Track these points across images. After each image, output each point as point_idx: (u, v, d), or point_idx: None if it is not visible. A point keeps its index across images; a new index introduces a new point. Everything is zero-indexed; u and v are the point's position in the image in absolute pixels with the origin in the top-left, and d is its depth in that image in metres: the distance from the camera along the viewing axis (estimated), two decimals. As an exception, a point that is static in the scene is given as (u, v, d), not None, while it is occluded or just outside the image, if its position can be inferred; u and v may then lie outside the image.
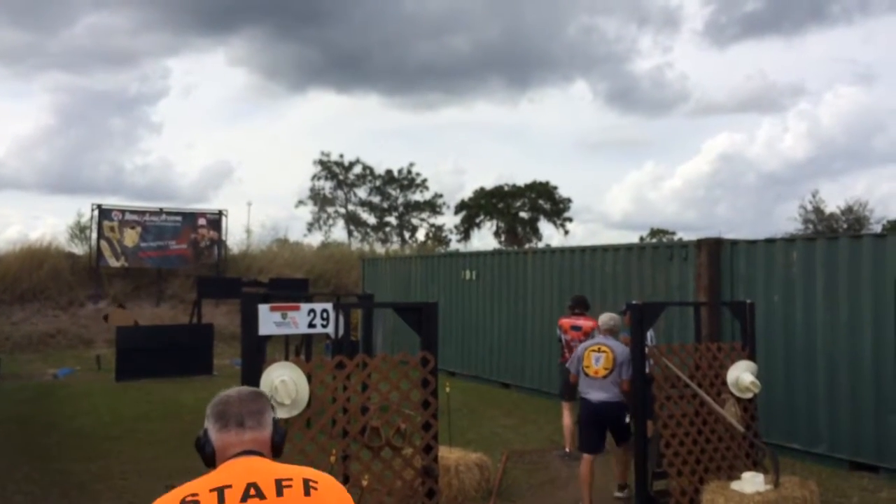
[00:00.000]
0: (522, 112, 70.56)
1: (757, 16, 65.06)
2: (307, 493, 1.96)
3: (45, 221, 66.29)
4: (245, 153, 72.29)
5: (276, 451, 2.15)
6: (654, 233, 53.03)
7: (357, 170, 49.18)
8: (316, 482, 2.00)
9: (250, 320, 5.19)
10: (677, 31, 69.58)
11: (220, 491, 1.92)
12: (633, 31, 71.02)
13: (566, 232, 51.17)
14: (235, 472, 1.99)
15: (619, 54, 66.94)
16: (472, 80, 69.19)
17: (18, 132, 62.64)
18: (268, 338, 5.32)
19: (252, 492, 1.92)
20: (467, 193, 52.50)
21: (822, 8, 64.00)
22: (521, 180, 51.79)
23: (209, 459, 2.12)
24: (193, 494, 1.92)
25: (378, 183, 49.61)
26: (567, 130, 74.63)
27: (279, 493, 1.93)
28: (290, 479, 1.98)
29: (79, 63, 61.83)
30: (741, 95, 69.74)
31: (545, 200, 51.40)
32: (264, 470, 2.00)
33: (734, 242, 9.94)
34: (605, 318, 7.23)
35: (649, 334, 7.63)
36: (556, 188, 51.11)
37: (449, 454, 7.01)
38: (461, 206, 51.22)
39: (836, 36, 68.78)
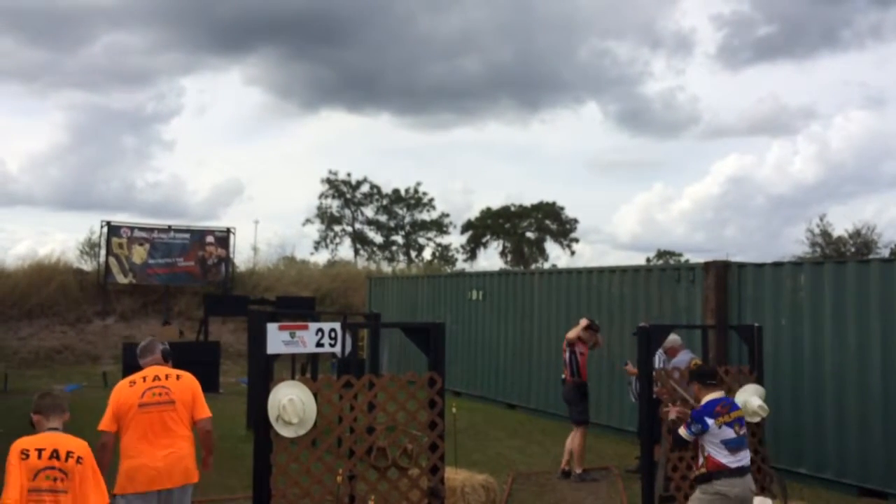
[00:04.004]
0: (533, 133, 70.75)
1: (770, 40, 65.24)
2: (178, 378, 4.94)
3: (55, 237, 66.54)
4: (256, 171, 72.58)
5: (165, 362, 5.12)
6: (661, 254, 52.96)
7: (364, 188, 49.39)
8: (181, 375, 4.97)
9: (259, 339, 5.21)
10: (690, 54, 69.85)
11: (144, 377, 4.88)
12: (646, 54, 71.33)
13: (572, 252, 51.18)
14: (150, 371, 4.95)
15: (631, 77, 67.18)
16: (484, 101, 69.44)
17: (31, 149, 63.11)
18: (275, 356, 5.34)
19: (155, 376, 4.90)
20: (476, 213, 52.58)
21: (835, 33, 64.14)
22: (531, 200, 51.86)
23: (139, 368, 5.03)
24: (134, 378, 4.90)
25: (385, 202, 49.76)
26: (577, 151, 74.78)
27: (167, 378, 4.91)
28: (171, 373, 4.96)
29: (94, 81, 62.27)
30: (752, 118, 69.82)
31: (552, 221, 51.44)
32: (161, 369, 4.99)
33: (742, 265, 9.94)
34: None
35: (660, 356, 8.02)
36: (562, 209, 51.19)
37: (455, 475, 7.00)
38: (468, 226, 51.29)
39: (848, 60, 68.87)
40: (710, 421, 5.27)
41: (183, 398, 4.86)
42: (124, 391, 4.85)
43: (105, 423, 4.81)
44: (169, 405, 4.80)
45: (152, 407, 4.76)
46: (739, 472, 5.26)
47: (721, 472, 5.25)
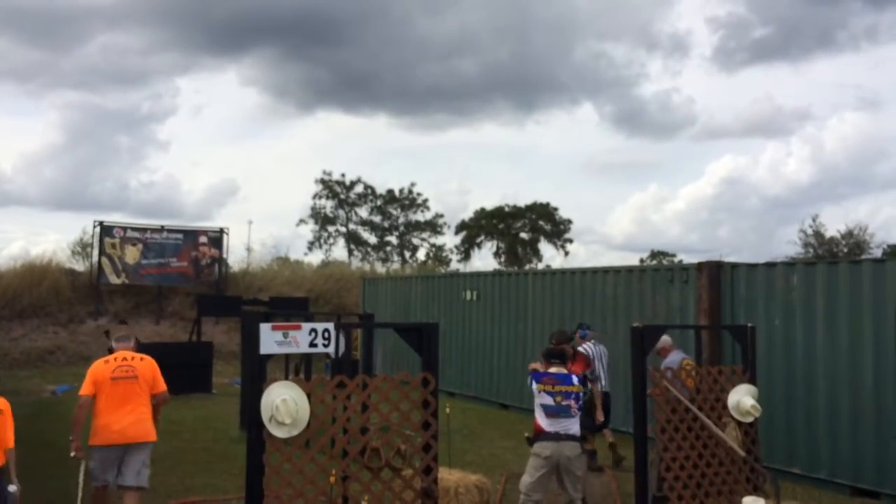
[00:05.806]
0: (529, 134, 70.86)
1: (766, 42, 65.53)
2: (141, 360, 6.48)
3: (48, 238, 66.29)
4: (251, 172, 72.51)
5: (134, 350, 6.67)
6: (655, 255, 53.06)
7: (358, 189, 49.35)
8: (143, 357, 6.53)
9: (252, 339, 5.20)
10: (686, 56, 70.11)
11: (115, 357, 6.46)
12: (642, 56, 71.54)
13: (566, 253, 51.24)
14: (120, 354, 6.50)
15: (627, 78, 67.33)
16: (480, 102, 69.58)
17: (25, 149, 62.90)
18: (268, 357, 5.32)
19: (123, 357, 6.44)
20: (471, 214, 52.59)
21: (830, 35, 64.48)
22: (526, 201, 51.91)
23: (112, 352, 6.64)
24: (108, 358, 6.51)
25: (379, 202, 49.74)
26: (573, 152, 74.95)
27: (133, 359, 6.45)
28: (136, 356, 6.50)
29: (90, 81, 62.22)
30: (747, 119, 70.15)
31: (545, 221, 51.49)
32: (129, 353, 6.52)
33: (734, 266, 9.96)
34: None
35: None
36: (556, 209, 51.26)
37: (448, 476, 6.99)
38: (461, 227, 51.30)
39: (843, 63, 69.27)
40: (533, 384, 6.36)
41: (144, 375, 6.39)
42: (100, 367, 6.38)
43: (85, 390, 6.26)
44: (133, 380, 6.32)
45: (121, 380, 6.27)
46: (555, 437, 6.17)
47: (539, 434, 6.23)
